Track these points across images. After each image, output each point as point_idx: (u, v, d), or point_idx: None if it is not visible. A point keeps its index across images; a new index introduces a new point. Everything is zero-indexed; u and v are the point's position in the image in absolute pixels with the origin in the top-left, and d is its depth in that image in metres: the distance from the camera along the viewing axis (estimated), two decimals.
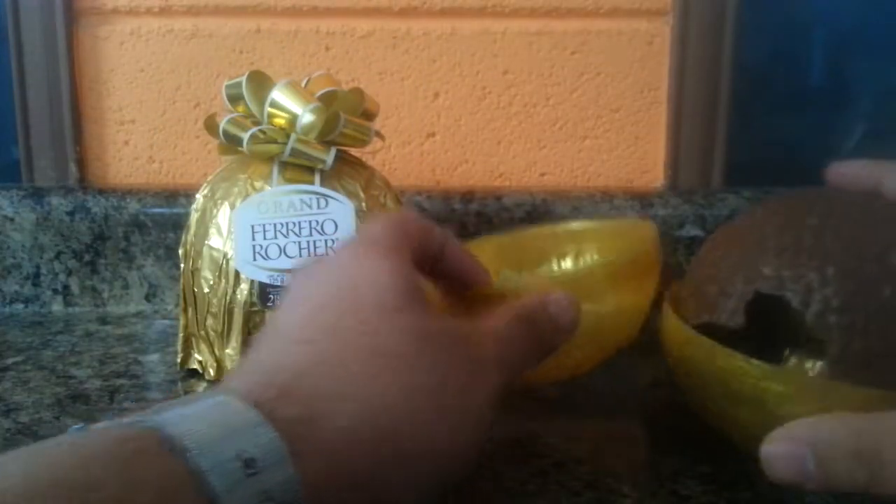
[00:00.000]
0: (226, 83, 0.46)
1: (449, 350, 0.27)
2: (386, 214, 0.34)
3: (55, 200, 0.58)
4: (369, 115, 0.48)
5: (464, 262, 0.33)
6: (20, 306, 0.58)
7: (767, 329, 0.30)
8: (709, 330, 0.30)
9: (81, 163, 0.61)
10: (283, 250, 0.42)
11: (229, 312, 0.43)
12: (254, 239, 0.42)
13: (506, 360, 0.29)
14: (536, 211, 0.58)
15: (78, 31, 0.60)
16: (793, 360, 0.31)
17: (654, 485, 0.33)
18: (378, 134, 0.47)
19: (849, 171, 0.33)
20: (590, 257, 0.49)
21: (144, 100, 0.61)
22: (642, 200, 0.58)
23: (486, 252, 0.44)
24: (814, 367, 0.29)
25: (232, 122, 0.45)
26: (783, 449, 0.25)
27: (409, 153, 0.61)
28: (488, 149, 0.61)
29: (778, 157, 0.63)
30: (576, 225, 0.50)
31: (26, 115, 0.61)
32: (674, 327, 0.32)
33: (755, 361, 0.28)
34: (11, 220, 0.58)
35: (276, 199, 0.43)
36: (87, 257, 0.58)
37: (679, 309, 0.33)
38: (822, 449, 0.25)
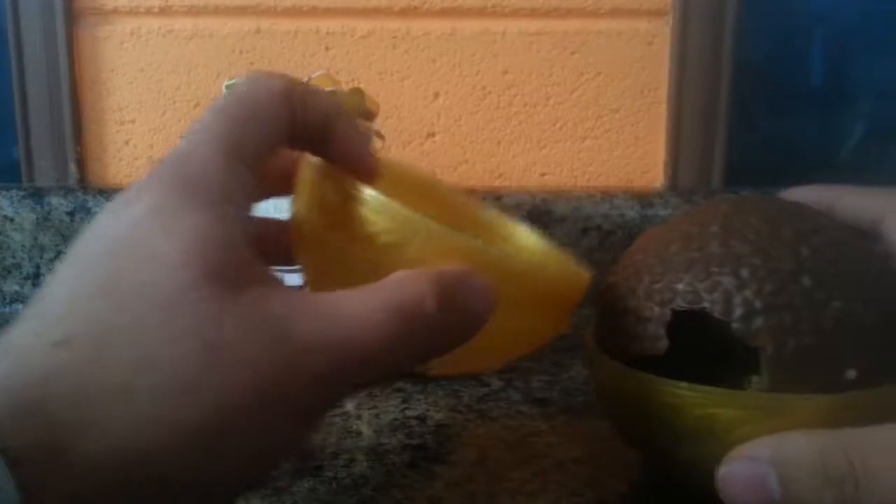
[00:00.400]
0: (226, 83, 0.46)
1: (253, 351, 0.21)
2: (243, 82, 0.27)
3: (55, 200, 0.58)
4: (369, 115, 0.48)
5: (350, 154, 0.27)
6: (20, 306, 0.58)
7: (696, 348, 0.29)
8: (637, 362, 0.28)
9: (81, 163, 0.61)
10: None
11: None
12: None
13: (359, 361, 0.22)
14: (536, 211, 0.58)
15: (78, 31, 0.60)
16: (731, 377, 0.29)
17: (655, 485, 0.33)
18: (378, 134, 0.47)
19: (803, 196, 0.31)
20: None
21: (144, 100, 0.61)
22: (642, 200, 0.58)
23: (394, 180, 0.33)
24: (750, 380, 0.28)
25: None
26: (743, 469, 0.23)
27: (409, 153, 0.61)
28: (488, 149, 0.61)
29: (778, 157, 0.63)
30: (520, 234, 0.41)
31: (26, 115, 0.61)
32: (601, 364, 0.30)
33: (700, 387, 0.26)
34: (11, 220, 0.58)
35: (275, 198, 0.43)
36: None
37: (602, 344, 0.30)
38: (785, 468, 0.23)
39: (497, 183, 0.62)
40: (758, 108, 0.62)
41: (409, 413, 0.39)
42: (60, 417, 0.18)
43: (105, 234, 0.23)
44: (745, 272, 0.26)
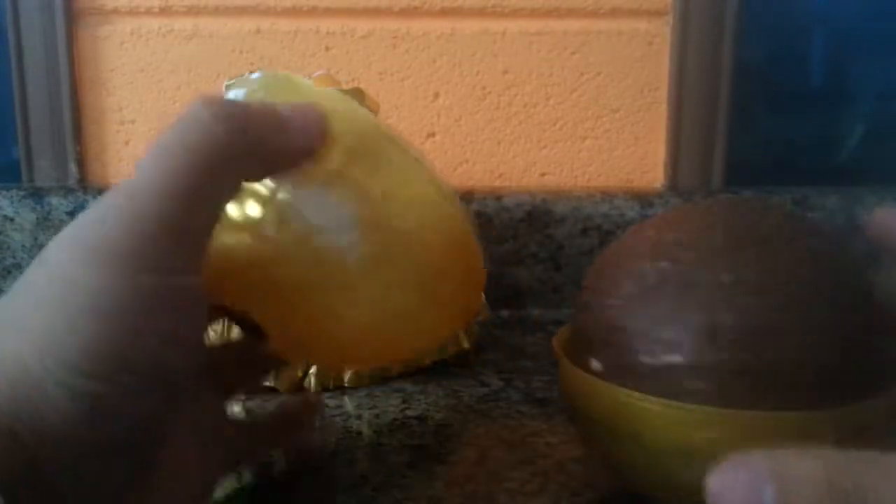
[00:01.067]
0: (226, 83, 0.46)
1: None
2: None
3: (55, 200, 0.58)
4: None
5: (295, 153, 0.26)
6: None
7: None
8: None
9: (81, 163, 0.61)
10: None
11: None
12: None
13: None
14: (536, 211, 0.58)
15: (78, 31, 0.60)
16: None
17: None
18: None
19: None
20: None
21: (144, 100, 0.61)
22: (642, 200, 0.58)
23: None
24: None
25: None
26: (738, 478, 0.21)
27: None
28: (488, 149, 0.61)
29: (778, 157, 0.63)
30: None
31: (26, 115, 0.61)
32: (578, 379, 0.29)
33: (690, 406, 0.25)
34: (11, 220, 0.58)
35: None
36: None
37: (573, 355, 0.30)
38: (785, 482, 0.21)
39: (497, 183, 0.62)
40: (758, 108, 0.62)
41: (409, 413, 0.39)
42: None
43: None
44: (717, 301, 0.26)
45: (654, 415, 0.26)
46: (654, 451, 0.26)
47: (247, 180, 0.25)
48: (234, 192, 0.25)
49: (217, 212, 0.24)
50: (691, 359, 0.26)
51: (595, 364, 0.28)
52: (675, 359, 0.26)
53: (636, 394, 0.26)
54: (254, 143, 0.24)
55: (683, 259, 0.27)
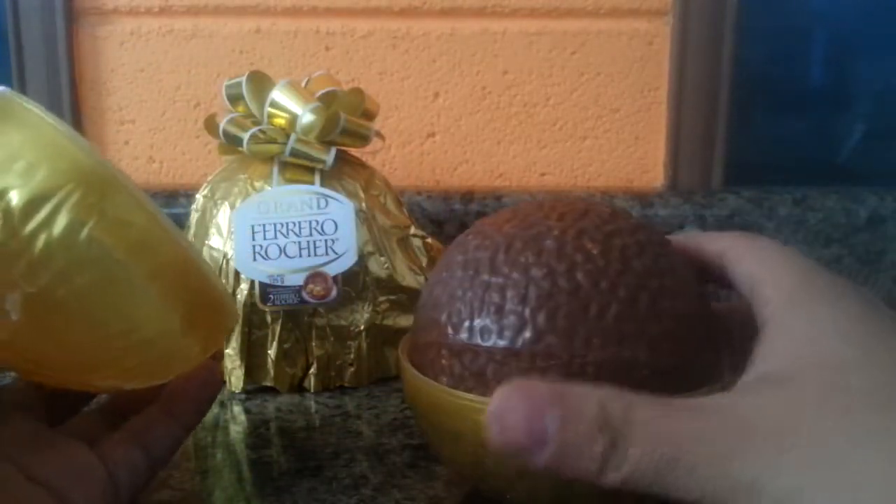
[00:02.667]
0: (226, 83, 0.46)
1: None
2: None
3: None
4: (369, 115, 0.48)
5: None
6: None
7: None
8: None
9: None
10: (283, 250, 0.42)
11: None
12: (254, 239, 0.42)
13: None
14: None
15: (78, 31, 0.60)
16: None
17: None
18: (378, 134, 0.47)
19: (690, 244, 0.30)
20: None
21: (144, 100, 0.61)
22: (642, 200, 0.58)
23: None
24: None
25: (232, 122, 0.45)
26: (520, 401, 0.21)
27: (409, 153, 0.61)
28: (488, 149, 0.61)
29: (778, 157, 0.63)
30: None
31: None
32: (409, 380, 0.29)
33: (470, 396, 0.26)
34: None
35: (276, 199, 0.43)
36: None
37: (416, 361, 0.30)
38: (565, 409, 0.21)
39: (497, 183, 0.62)
40: (758, 108, 0.62)
41: (408, 413, 0.39)
42: None
43: None
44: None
45: (467, 410, 0.26)
46: (473, 446, 0.27)
47: None
48: None
49: None
50: (500, 354, 0.26)
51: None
52: (485, 357, 0.26)
53: (448, 390, 0.27)
54: None
55: (494, 258, 0.27)
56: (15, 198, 0.24)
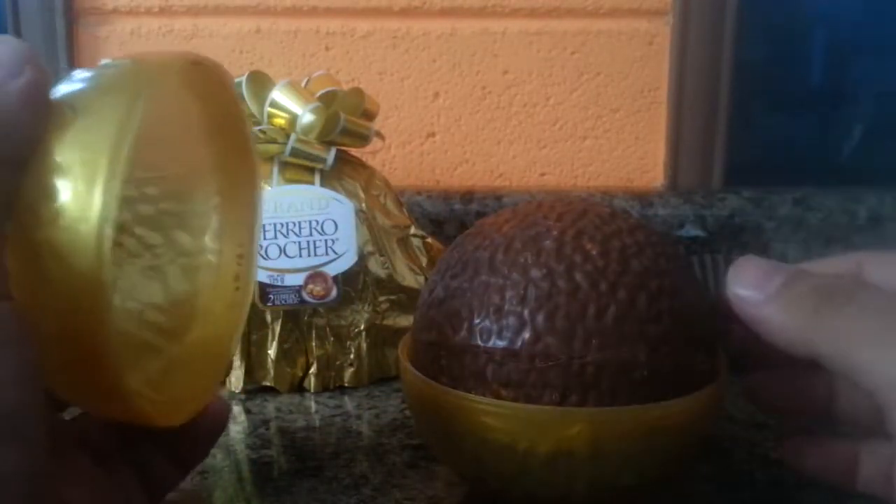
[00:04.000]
0: None
1: None
2: None
3: None
4: (369, 115, 0.48)
5: None
6: None
7: None
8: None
9: None
10: (283, 250, 0.42)
11: None
12: None
13: None
14: None
15: (78, 31, 0.60)
16: None
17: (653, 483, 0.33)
18: (378, 134, 0.47)
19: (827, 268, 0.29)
20: None
21: None
22: (642, 200, 0.58)
23: None
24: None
25: None
26: (760, 262, 0.25)
27: (409, 153, 0.61)
28: (488, 149, 0.61)
29: (778, 157, 0.63)
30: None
31: None
32: (408, 379, 0.29)
33: (485, 400, 0.26)
34: None
35: (276, 199, 0.43)
36: None
37: (416, 360, 0.29)
38: (798, 274, 0.25)
39: (497, 183, 0.62)
40: (758, 108, 0.62)
41: (408, 413, 0.39)
42: None
43: None
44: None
45: (467, 410, 0.26)
46: (473, 446, 0.27)
47: None
48: None
49: None
50: (500, 354, 0.26)
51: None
52: (484, 357, 0.26)
53: (448, 390, 0.27)
54: None
55: (493, 258, 0.27)
56: None
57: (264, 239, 0.43)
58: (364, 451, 0.36)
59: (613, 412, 0.25)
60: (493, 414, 0.26)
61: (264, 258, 0.42)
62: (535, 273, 0.26)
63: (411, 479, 0.33)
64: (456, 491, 0.32)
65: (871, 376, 0.22)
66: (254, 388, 0.43)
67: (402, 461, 0.34)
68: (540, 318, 0.26)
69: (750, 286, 0.25)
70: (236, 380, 0.43)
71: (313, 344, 0.43)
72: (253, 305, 0.42)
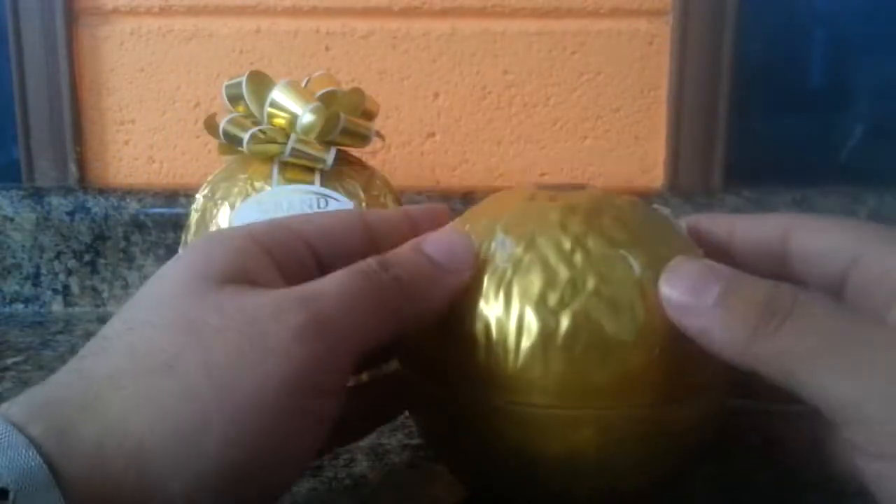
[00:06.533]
0: (226, 83, 0.46)
1: (226, 333, 0.21)
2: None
3: (55, 200, 0.58)
4: (369, 115, 0.48)
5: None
6: (20, 306, 0.58)
7: None
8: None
9: (81, 163, 0.61)
10: None
11: None
12: None
13: (324, 330, 0.22)
14: None
15: (78, 31, 0.60)
16: None
17: (655, 485, 0.33)
18: (378, 134, 0.47)
19: (700, 224, 0.29)
20: None
21: (144, 100, 0.61)
22: (642, 200, 0.58)
23: None
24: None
25: (232, 122, 0.45)
26: (694, 268, 0.23)
27: (409, 153, 0.61)
28: (488, 149, 0.61)
29: (778, 157, 0.63)
30: None
31: (26, 115, 0.61)
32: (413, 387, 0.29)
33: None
34: (11, 220, 0.58)
35: (276, 199, 0.43)
36: (87, 257, 0.58)
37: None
38: (736, 279, 0.23)
39: (497, 183, 0.62)
40: (758, 108, 0.62)
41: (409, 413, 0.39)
42: (66, 406, 0.20)
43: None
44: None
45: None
46: (474, 447, 0.26)
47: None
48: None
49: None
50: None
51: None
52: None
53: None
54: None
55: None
56: None
57: None
58: (364, 451, 0.36)
59: (622, 415, 0.25)
60: (502, 418, 0.25)
61: None
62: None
63: (411, 479, 0.33)
64: (456, 491, 0.32)
65: (819, 399, 0.21)
66: None
67: (402, 461, 0.34)
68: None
69: (685, 292, 0.23)
70: None
71: None
72: None
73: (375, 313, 0.24)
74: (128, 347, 0.22)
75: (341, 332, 0.22)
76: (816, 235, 0.27)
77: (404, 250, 0.25)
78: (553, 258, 0.25)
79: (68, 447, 0.19)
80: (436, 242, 0.26)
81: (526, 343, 0.24)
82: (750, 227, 0.28)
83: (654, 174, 0.62)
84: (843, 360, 0.21)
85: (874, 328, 0.22)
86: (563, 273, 0.25)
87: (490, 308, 0.25)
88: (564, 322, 0.24)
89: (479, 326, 0.25)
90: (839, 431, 0.22)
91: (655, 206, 0.31)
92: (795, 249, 0.27)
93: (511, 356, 0.25)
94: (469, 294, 0.26)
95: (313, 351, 0.22)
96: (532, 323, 0.24)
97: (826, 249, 0.26)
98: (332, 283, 0.23)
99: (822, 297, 0.23)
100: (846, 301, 0.26)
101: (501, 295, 0.25)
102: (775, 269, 0.27)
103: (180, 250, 0.46)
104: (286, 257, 0.25)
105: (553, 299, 0.24)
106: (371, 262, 0.24)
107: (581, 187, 0.29)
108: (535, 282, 0.25)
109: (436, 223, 0.29)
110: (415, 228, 0.28)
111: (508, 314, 0.25)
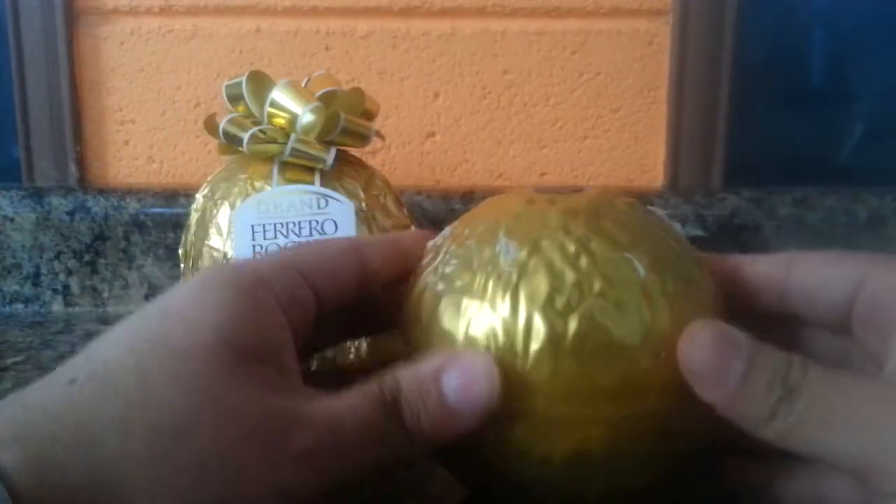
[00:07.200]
0: (226, 83, 0.46)
1: (246, 411, 0.22)
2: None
3: (55, 200, 0.58)
4: (369, 115, 0.48)
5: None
6: (20, 306, 0.58)
7: None
8: None
9: (81, 163, 0.61)
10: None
11: None
12: (254, 239, 0.42)
13: (325, 456, 0.23)
14: None
15: (78, 31, 0.60)
16: None
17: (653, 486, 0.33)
18: (378, 134, 0.47)
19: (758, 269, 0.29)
20: None
21: (144, 100, 0.61)
22: (642, 200, 0.58)
23: None
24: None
25: (232, 122, 0.45)
26: (718, 337, 0.24)
27: (409, 153, 0.61)
28: (488, 149, 0.61)
29: (778, 157, 0.63)
30: None
31: (26, 115, 0.61)
32: None
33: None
34: (11, 220, 0.58)
35: (276, 199, 0.43)
36: (87, 257, 0.58)
37: None
38: (755, 355, 0.23)
39: (497, 183, 0.62)
40: (758, 108, 0.62)
41: None
42: (64, 452, 0.19)
43: (151, 304, 0.25)
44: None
45: None
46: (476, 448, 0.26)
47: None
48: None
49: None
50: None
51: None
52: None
53: None
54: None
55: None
56: None
57: (264, 239, 0.43)
58: None
59: (629, 416, 0.25)
60: (509, 421, 0.25)
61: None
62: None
63: (411, 479, 0.33)
64: (456, 491, 0.32)
65: (835, 461, 0.23)
66: None
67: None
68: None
69: (707, 368, 0.24)
70: None
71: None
72: None
73: (382, 443, 0.24)
74: (134, 393, 0.21)
75: (343, 457, 0.23)
76: (817, 268, 0.27)
77: (425, 384, 0.24)
78: (558, 261, 0.25)
79: (50, 487, 0.19)
80: (457, 384, 0.24)
81: (534, 346, 0.24)
82: (753, 263, 0.28)
83: (654, 174, 0.62)
84: (850, 423, 0.23)
85: (873, 388, 0.24)
86: (570, 276, 0.25)
87: (497, 312, 0.25)
88: (572, 325, 0.24)
89: (486, 330, 0.25)
90: (863, 483, 0.23)
91: (650, 207, 0.31)
92: (795, 284, 0.27)
93: (519, 360, 0.24)
94: (475, 299, 0.25)
95: (304, 476, 0.22)
96: (540, 326, 0.24)
97: (828, 279, 0.27)
98: (347, 410, 0.23)
99: (824, 365, 0.24)
100: (852, 329, 0.26)
101: (508, 299, 0.25)
102: (776, 304, 0.28)
103: (180, 251, 0.46)
104: (292, 302, 0.26)
105: (560, 302, 0.24)
106: (387, 395, 0.24)
107: (578, 190, 0.29)
108: (542, 285, 0.25)
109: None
110: (405, 256, 0.29)
111: (516, 318, 0.25)
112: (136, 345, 0.22)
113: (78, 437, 0.20)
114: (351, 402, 0.23)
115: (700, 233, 0.57)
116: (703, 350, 0.24)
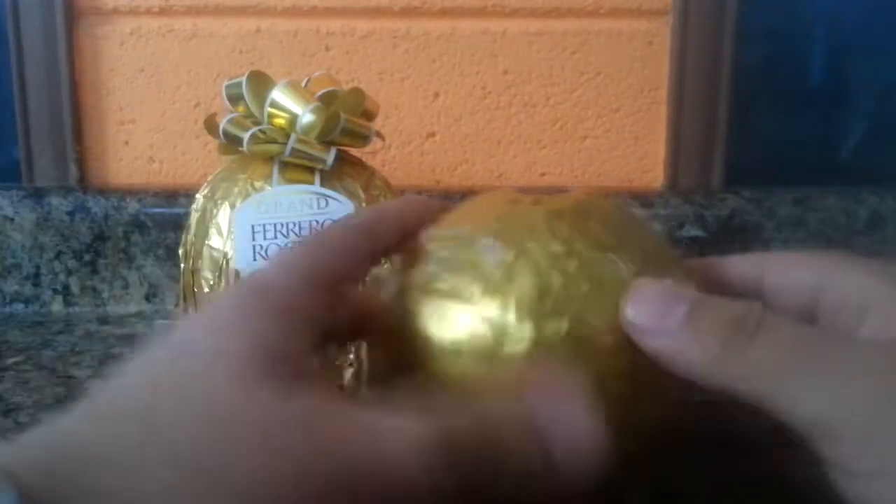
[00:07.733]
0: (226, 83, 0.46)
1: (290, 457, 0.19)
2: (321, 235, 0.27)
3: (55, 200, 0.58)
4: (369, 115, 0.48)
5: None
6: (20, 306, 0.58)
7: None
8: None
9: (81, 163, 0.61)
10: (283, 250, 0.42)
11: None
12: (254, 239, 0.42)
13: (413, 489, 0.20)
14: None
15: (78, 31, 0.60)
16: None
17: (654, 485, 0.33)
18: (378, 134, 0.47)
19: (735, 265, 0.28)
20: None
21: (144, 100, 0.61)
22: (642, 200, 0.58)
23: None
24: None
25: (232, 122, 0.45)
26: (658, 290, 0.23)
27: (409, 153, 0.61)
28: (488, 149, 0.61)
29: (778, 157, 0.63)
30: None
31: (26, 115, 0.61)
32: None
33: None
34: (11, 220, 0.58)
35: (276, 199, 0.43)
36: (87, 257, 0.58)
37: None
38: (702, 303, 0.23)
39: (497, 183, 0.62)
40: (758, 108, 0.62)
41: None
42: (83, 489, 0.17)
43: (172, 335, 0.23)
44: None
45: None
46: None
47: None
48: None
49: None
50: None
51: None
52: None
53: None
54: None
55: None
56: None
57: (264, 239, 0.43)
58: None
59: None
60: None
61: (264, 258, 0.42)
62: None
63: None
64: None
65: (791, 415, 0.21)
66: None
67: None
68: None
69: (650, 316, 0.23)
70: None
71: None
72: None
73: (451, 484, 0.21)
74: (164, 437, 0.19)
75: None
76: (784, 270, 0.27)
77: (526, 439, 0.22)
78: (545, 263, 0.25)
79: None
80: (565, 448, 0.21)
81: (522, 349, 0.24)
82: (731, 264, 0.28)
83: (654, 174, 0.62)
84: (814, 374, 0.21)
85: (844, 342, 0.22)
86: (556, 278, 0.25)
87: (482, 315, 0.25)
88: (562, 327, 0.24)
89: (472, 333, 0.25)
90: (816, 450, 0.21)
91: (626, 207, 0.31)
92: (767, 286, 0.27)
93: (506, 362, 0.24)
94: (459, 302, 0.25)
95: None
96: (527, 328, 0.24)
97: (793, 282, 0.26)
98: (411, 448, 0.20)
99: (791, 317, 0.23)
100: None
101: (495, 301, 0.25)
102: None
103: (180, 251, 0.46)
104: (316, 323, 0.25)
105: (548, 304, 0.24)
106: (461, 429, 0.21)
107: (563, 191, 0.30)
108: (529, 287, 0.25)
109: (426, 217, 0.29)
110: (412, 228, 0.28)
111: (503, 320, 0.24)
112: (163, 387, 0.21)
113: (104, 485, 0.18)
114: (414, 443, 0.21)
115: (700, 233, 0.57)
116: (645, 299, 0.23)
